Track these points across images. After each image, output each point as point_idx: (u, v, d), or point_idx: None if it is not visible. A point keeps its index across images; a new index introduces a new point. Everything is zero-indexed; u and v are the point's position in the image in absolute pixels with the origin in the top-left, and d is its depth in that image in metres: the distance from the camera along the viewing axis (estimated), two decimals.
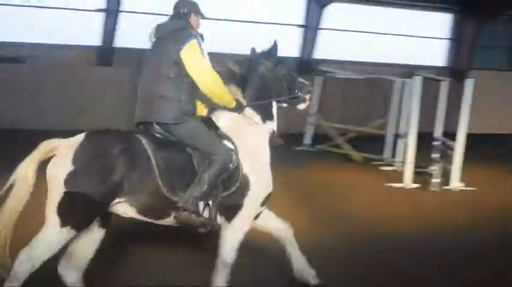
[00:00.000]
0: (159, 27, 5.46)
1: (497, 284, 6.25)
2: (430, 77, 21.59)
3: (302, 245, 5.81)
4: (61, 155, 4.90)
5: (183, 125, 5.20)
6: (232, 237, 5.38)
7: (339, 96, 20.07)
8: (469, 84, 11.43)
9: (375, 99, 19.67)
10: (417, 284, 6.25)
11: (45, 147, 4.98)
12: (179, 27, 5.38)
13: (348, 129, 15.61)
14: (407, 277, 6.31)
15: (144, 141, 5.05)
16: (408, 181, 11.11)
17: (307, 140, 15.58)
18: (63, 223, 4.76)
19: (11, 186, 4.91)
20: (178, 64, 5.22)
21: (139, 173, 4.93)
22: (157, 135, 5.25)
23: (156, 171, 4.96)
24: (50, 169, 4.94)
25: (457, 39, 22.84)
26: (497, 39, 23.91)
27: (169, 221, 5.19)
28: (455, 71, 22.28)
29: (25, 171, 4.87)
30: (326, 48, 20.38)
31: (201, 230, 5.23)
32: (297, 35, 19.91)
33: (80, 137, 5.04)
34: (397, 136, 13.29)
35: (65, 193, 4.78)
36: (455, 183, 11.01)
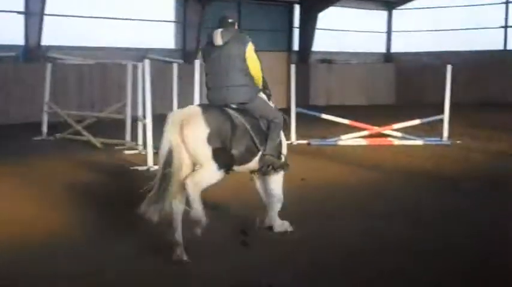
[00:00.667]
0: (223, 34, 7.27)
1: None
2: (161, 59, 22.28)
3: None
4: (195, 122, 6.45)
5: (255, 102, 7.17)
6: (280, 179, 7.43)
7: (73, 83, 19.85)
8: (196, 65, 11.77)
9: (110, 84, 19.76)
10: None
11: (177, 117, 6.54)
12: (237, 33, 7.38)
13: (85, 116, 15.49)
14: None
15: (233, 113, 6.81)
16: (151, 163, 11.28)
17: (45, 129, 15.19)
18: (219, 168, 6.48)
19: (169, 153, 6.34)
20: (245, 60, 7.16)
21: (240, 133, 6.74)
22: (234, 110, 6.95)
23: (251, 131, 6.83)
24: (190, 131, 6.40)
25: (184, 22, 23.48)
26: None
27: (251, 165, 7.05)
28: (185, 53, 23.04)
29: (175, 138, 6.37)
30: (54, 35, 19.91)
31: (280, 170, 7.30)
32: (20, 22, 19.12)
33: (196, 108, 6.76)
34: (135, 120, 13.46)
35: (212, 148, 6.40)
36: None
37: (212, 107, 6.89)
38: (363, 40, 30.46)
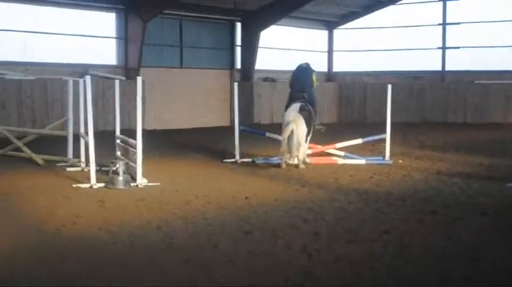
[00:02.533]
0: (301, 65, 15.51)
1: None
2: (102, 75, 22.08)
3: None
4: (301, 122, 13.74)
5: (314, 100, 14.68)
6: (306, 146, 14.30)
7: (14, 99, 19.53)
8: (139, 82, 11.71)
9: (51, 100, 19.48)
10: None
11: (291, 116, 13.81)
12: (308, 65, 15.47)
13: (26, 132, 15.22)
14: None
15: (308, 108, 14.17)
16: (94, 181, 11.14)
17: None
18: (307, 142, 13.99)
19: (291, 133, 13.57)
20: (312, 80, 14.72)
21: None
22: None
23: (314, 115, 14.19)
24: (294, 117, 13.77)
25: (125, 38, 23.37)
26: (168, 38, 25.11)
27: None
28: (127, 69, 22.91)
29: (295, 115, 13.82)
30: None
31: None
32: None
33: (297, 114, 13.88)
34: (78, 136, 13.32)
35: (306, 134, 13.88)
36: (140, 179, 11.37)
37: (303, 109, 14.11)
38: (305, 59, 30.70)
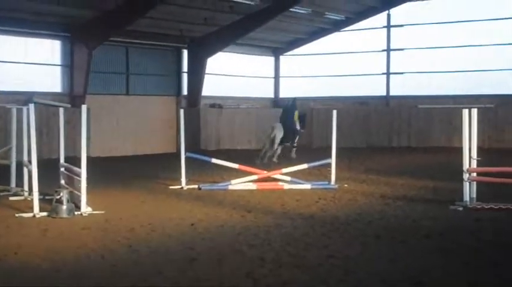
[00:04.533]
0: (288, 103, 21.68)
1: None
2: (47, 103, 21.80)
3: None
4: (279, 129, 20.08)
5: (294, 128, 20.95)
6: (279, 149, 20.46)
7: None
8: (84, 110, 11.60)
9: None
10: None
11: (275, 126, 20.18)
12: (293, 103, 21.35)
13: None
14: None
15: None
16: (37, 210, 10.95)
17: None
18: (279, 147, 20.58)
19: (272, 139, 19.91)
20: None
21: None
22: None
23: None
24: (276, 126, 20.30)
25: (71, 66, 23.20)
26: (114, 65, 25.02)
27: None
28: (73, 97, 22.70)
29: (277, 125, 20.27)
30: None
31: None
32: None
33: (279, 125, 20.50)
34: (21, 165, 13.10)
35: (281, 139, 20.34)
36: (84, 208, 11.22)
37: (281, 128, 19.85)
38: (252, 85, 30.97)
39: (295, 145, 21.52)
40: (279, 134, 20.14)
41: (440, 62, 28.63)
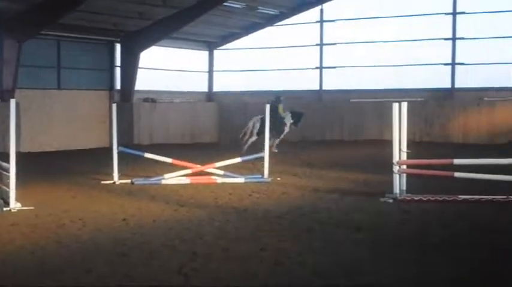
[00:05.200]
0: (272, 100, 22.42)
1: None
2: None
3: None
4: (257, 120, 22.04)
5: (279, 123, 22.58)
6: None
7: None
8: (12, 105, 11.37)
9: None
10: None
11: (254, 118, 22.32)
12: (276, 100, 23.21)
13: None
14: None
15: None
16: None
17: None
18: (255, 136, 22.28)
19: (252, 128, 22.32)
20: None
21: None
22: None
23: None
24: (255, 119, 22.29)
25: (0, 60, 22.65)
26: (45, 59, 24.56)
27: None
28: (2, 92, 22.19)
29: (255, 118, 22.27)
30: None
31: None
32: None
33: (258, 117, 21.80)
34: None
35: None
36: (13, 204, 11.01)
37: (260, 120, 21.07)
38: (186, 79, 30.86)
39: (279, 138, 23.34)
40: (256, 125, 22.27)
41: (372, 56, 29.05)
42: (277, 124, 22.62)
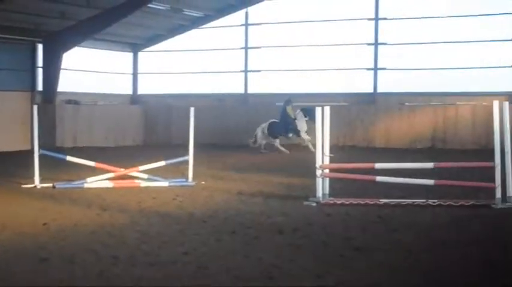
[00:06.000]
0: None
1: None
2: None
3: None
4: (261, 127, 25.00)
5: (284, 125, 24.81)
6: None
7: None
8: None
9: None
10: None
11: (262, 125, 25.10)
12: (286, 101, 25.27)
13: None
14: None
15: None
16: None
17: None
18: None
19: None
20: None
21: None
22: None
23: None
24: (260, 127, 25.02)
25: None
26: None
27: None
28: None
29: (260, 127, 24.88)
30: None
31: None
32: None
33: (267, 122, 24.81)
34: None
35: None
36: None
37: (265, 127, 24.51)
38: (110, 81, 30.52)
39: (300, 137, 24.93)
40: (264, 130, 24.72)
41: (297, 60, 29.35)
42: (288, 124, 24.64)
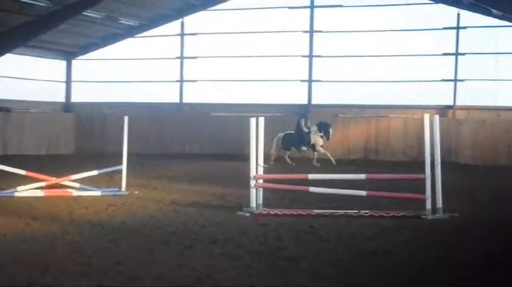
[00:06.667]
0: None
1: None
2: None
3: None
4: (276, 137, 24.66)
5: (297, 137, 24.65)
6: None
7: None
8: None
9: None
10: None
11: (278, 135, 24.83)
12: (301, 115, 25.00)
13: None
14: None
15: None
16: None
17: None
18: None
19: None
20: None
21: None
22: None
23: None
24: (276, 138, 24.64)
25: None
26: None
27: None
28: None
29: (276, 137, 24.64)
30: None
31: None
32: None
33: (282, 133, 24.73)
34: None
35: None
36: None
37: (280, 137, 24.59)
38: (43, 89, 30.01)
39: (313, 150, 24.54)
40: (279, 141, 24.67)
41: (233, 70, 29.42)
42: (303, 138, 24.51)
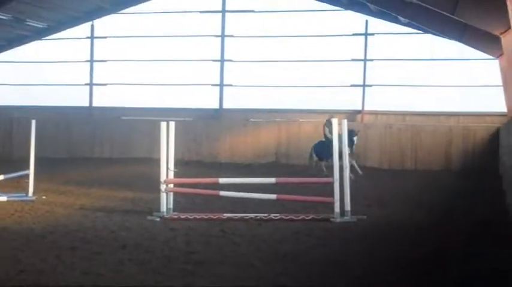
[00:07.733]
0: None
1: None
2: None
3: None
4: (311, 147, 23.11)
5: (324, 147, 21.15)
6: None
7: None
8: None
9: None
10: None
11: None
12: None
13: None
14: None
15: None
16: None
17: None
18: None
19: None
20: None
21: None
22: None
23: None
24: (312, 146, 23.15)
25: None
26: None
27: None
28: None
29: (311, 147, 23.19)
30: None
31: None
32: None
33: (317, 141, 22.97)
34: None
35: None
36: None
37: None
38: None
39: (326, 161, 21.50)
40: (312, 150, 22.80)
41: (144, 74, 29.15)
42: (325, 149, 21.52)
